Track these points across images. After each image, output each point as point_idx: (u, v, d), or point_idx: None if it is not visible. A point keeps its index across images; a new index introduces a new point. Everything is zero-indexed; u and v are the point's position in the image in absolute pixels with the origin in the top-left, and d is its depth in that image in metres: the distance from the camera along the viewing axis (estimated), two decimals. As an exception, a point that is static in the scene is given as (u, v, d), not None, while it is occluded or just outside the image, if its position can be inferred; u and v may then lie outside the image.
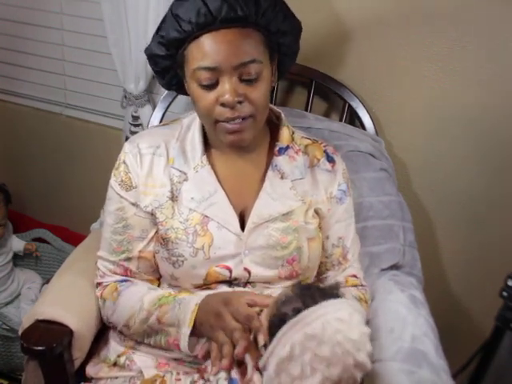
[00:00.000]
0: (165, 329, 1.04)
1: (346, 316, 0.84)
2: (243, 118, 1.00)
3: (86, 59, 1.88)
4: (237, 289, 1.08)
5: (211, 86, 0.99)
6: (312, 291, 0.90)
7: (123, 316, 1.10)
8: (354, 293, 1.18)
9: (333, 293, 0.91)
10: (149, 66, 1.61)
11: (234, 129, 1.00)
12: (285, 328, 0.85)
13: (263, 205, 1.10)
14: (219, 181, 1.10)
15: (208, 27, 0.97)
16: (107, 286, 1.15)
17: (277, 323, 0.87)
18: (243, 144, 1.05)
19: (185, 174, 1.11)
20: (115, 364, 1.13)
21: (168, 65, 1.07)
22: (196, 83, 1.00)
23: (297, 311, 0.86)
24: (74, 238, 2.02)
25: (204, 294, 1.07)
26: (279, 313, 0.89)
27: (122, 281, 1.14)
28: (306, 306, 0.86)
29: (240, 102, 0.98)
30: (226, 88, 0.97)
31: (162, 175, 1.11)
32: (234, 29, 0.97)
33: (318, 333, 0.82)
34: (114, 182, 1.14)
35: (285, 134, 1.16)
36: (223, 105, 0.98)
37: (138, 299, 1.09)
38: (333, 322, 0.83)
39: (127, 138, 1.74)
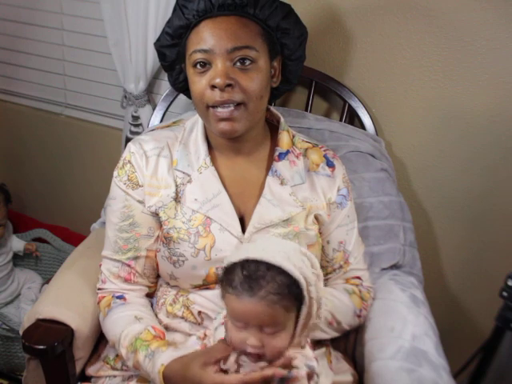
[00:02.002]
0: (144, 375, 1.04)
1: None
2: (234, 107, 1.00)
3: (86, 59, 1.88)
4: None
5: (204, 71, 1.01)
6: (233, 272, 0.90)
7: (109, 339, 1.12)
8: (347, 287, 1.19)
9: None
10: (149, 66, 1.65)
11: (224, 115, 1.01)
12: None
13: (263, 211, 1.10)
14: (222, 182, 1.11)
15: (207, 14, 1.01)
16: (104, 297, 1.14)
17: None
18: (234, 134, 1.04)
19: (188, 175, 1.11)
20: (115, 363, 1.14)
21: (174, 57, 1.09)
22: (192, 68, 1.02)
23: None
24: (74, 238, 2.02)
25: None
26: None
27: (118, 297, 1.13)
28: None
29: (230, 86, 0.99)
30: (218, 69, 0.99)
31: (166, 176, 1.11)
32: (232, 17, 1.01)
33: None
34: (118, 180, 1.14)
35: (284, 138, 1.16)
36: (214, 87, 0.99)
37: (118, 332, 1.08)
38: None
39: (127, 138, 1.74)
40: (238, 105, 1.00)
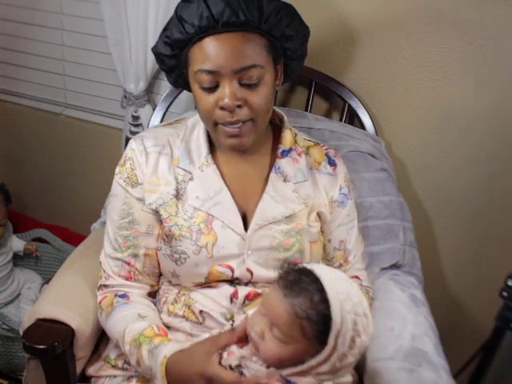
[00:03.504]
0: (144, 372, 1.04)
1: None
2: (243, 123, 1.00)
3: (86, 59, 1.88)
4: (238, 288, 1.08)
5: (211, 89, 1.00)
6: (292, 275, 0.91)
7: (112, 338, 1.12)
8: None
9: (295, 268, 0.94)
10: (149, 66, 1.65)
11: (233, 133, 1.01)
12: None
13: (266, 207, 1.10)
14: (224, 180, 1.11)
15: (210, 30, 0.97)
16: (107, 297, 1.14)
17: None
18: (243, 148, 1.05)
19: (190, 173, 1.11)
20: (116, 361, 1.14)
21: (173, 64, 1.08)
22: (197, 85, 1.01)
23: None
24: (74, 238, 2.02)
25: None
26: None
27: (121, 295, 1.13)
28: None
29: (239, 106, 0.99)
30: (226, 92, 0.98)
31: (167, 174, 1.11)
32: (236, 33, 0.98)
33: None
34: (119, 178, 1.14)
35: (287, 136, 1.16)
36: (222, 108, 0.99)
37: (122, 329, 1.08)
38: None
39: (127, 138, 1.74)
40: (247, 121, 1.01)
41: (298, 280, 0.89)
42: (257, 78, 0.99)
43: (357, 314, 0.87)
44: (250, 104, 0.99)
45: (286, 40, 1.04)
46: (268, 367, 0.91)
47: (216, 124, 1.02)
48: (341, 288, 0.88)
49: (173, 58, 1.06)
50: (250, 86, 0.99)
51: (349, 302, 0.87)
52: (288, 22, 1.02)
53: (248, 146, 1.05)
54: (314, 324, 0.86)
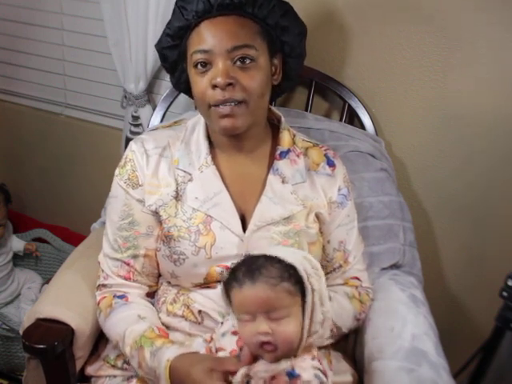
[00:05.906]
0: (147, 374, 1.04)
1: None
2: (235, 104, 1.01)
3: (86, 59, 1.89)
4: None
5: (206, 71, 1.02)
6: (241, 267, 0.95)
7: (111, 338, 1.12)
8: (347, 290, 1.19)
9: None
10: (149, 66, 1.65)
11: (225, 112, 1.02)
12: None
13: (265, 208, 1.10)
14: (223, 181, 1.11)
15: (207, 14, 1.02)
16: (105, 297, 1.14)
17: None
18: (236, 131, 1.05)
19: (190, 174, 1.12)
20: (116, 361, 1.14)
21: (175, 58, 1.10)
22: (193, 68, 1.04)
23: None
24: (74, 238, 2.02)
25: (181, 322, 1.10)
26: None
27: (119, 296, 1.14)
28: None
29: (231, 85, 1.00)
30: (218, 69, 1.00)
31: (167, 175, 1.12)
32: (231, 17, 1.02)
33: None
34: (119, 179, 1.14)
35: (285, 137, 1.16)
36: (215, 87, 1.00)
37: (122, 330, 1.08)
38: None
39: (127, 138, 1.74)
40: (239, 103, 1.01)
41: (248, 267, 0.92)
42: (250, 59, 1.01)
43: (304, 257, 0.96)
44: (242, 85, 1.01)
45: (281, 32, 1.07)
46: (278, 360, 0.90)
47: (209, 107, 1.03)
48: (275, 250, 0.96)
49: (174, 48, 1.09)
50: (243, 68, 1.01)
51: (291, 253, 0.96)
52: (282, 13, 1.06)
53: (241, 129, 1.05)
54: (290, 279, 0.90)
